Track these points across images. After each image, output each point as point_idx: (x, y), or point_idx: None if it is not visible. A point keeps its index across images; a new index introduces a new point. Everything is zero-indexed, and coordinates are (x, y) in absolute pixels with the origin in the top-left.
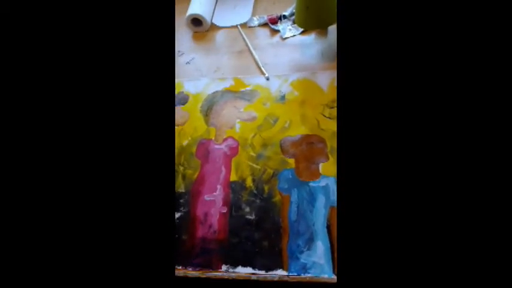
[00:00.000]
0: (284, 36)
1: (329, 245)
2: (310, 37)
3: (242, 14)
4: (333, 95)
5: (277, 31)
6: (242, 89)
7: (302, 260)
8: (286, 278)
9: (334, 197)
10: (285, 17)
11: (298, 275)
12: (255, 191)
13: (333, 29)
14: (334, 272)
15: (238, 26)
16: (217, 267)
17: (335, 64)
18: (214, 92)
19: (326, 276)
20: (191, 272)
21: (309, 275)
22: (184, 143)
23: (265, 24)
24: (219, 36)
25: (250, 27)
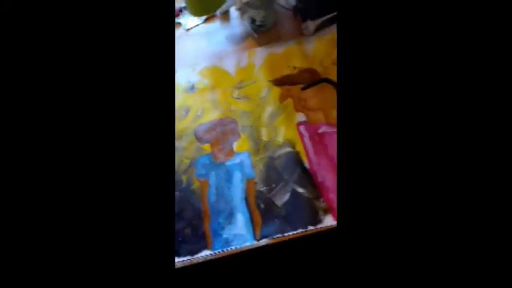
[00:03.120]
0: (187, 28)
1: (248, 214)
2: (215, 24)
3: None
4: (240, 76)
5: (179, 24)
6: None
7: (224, 236)
8: (211, 257)
9: (249, 169)
10: (185, 8)
11: (222, 250)
12: None
13: (235, 13)
14: (255, 238)
15: None
16: None
17: (239, 47)
18: None
19: (248, 244)
20: None
21: (232, 247)
22: None
23: None
24: None
25: None
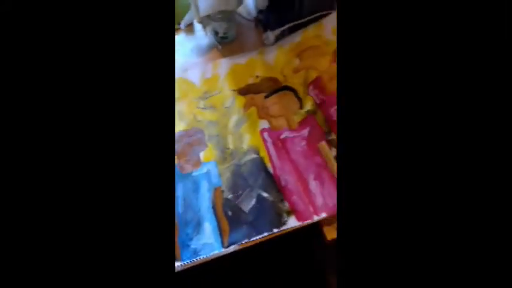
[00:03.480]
0: None
1: (216, 223)
2: (180, 36)
3: None
4: (205, 87)
5: None
6: None
7: (192, 246)
8: (179, 268)
9: (216, 178)
10: None
11: (191, 260)
12: None
13: (199, 25)
14: (223, 245)
15: None
16: None
17: (204, 59)
18: None
19: (216, 252)
20: None
21: (201, 257)
22: None
23: None
24: None
25: None
